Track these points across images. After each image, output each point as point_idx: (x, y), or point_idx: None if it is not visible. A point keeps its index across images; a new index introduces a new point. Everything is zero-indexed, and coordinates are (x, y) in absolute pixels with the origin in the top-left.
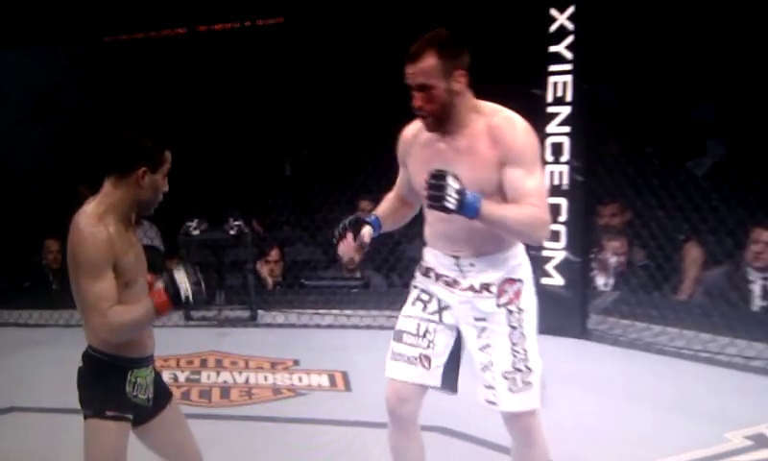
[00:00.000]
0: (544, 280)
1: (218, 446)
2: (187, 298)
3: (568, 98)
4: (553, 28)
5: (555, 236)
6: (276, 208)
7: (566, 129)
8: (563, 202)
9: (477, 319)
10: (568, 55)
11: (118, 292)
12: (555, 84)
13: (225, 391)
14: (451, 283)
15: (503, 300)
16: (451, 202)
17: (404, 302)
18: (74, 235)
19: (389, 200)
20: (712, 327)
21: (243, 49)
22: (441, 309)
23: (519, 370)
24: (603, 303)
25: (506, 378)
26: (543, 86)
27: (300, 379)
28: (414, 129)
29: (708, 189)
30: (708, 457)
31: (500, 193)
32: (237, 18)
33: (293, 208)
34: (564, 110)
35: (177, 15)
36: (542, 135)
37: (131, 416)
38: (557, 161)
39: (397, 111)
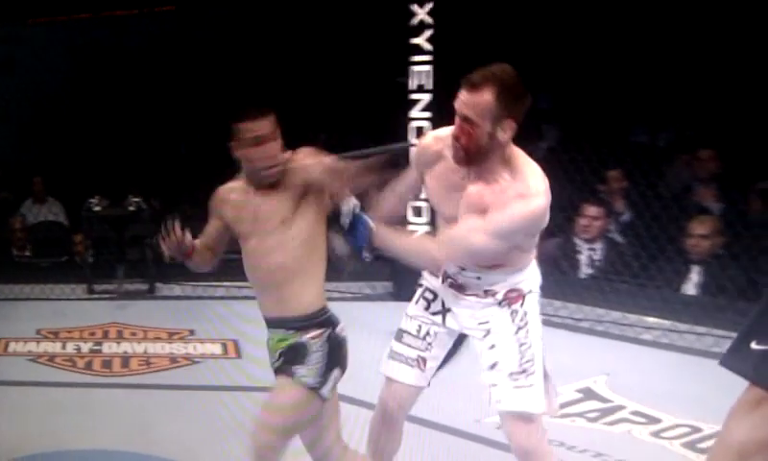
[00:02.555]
0: None
1: (119, 413)
2: None
3: (429, 86)
4: (414, 21)
5: (418, 211)
6: (173, 185)
7: (428, 114)
8: None
9: (481, 322)
10: (428, 46)
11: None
12: (416, 73)
13: (125, 361)
14: (457, 287)
15: (506, 302)
16: (343, 222)
17: None
18: None
19: None
20: (547, 293)
21: (140, 35)
22: (444, 311)
23: (525, 370)
24: None
25: (512, 378)
26: (406, 75)
27: (195, 348)
28: (444, 140)
29: (544, 170)
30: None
31: (515, 248)
32: (135, 5)
33: (189, 185)
34: (426, 98)
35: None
36: (406, 120)
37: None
38: None
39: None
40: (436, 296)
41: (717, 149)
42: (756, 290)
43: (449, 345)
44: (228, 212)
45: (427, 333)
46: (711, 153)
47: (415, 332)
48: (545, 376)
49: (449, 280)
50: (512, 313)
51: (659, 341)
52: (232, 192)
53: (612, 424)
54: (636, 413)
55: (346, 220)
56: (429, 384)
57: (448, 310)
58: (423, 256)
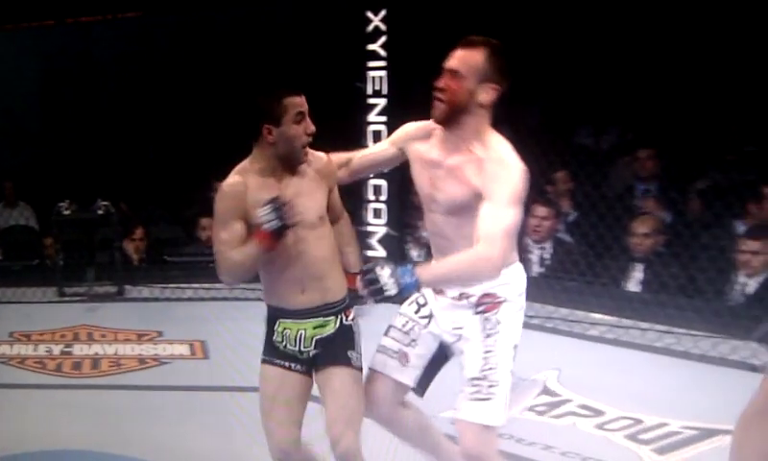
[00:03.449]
0: (369, 253)
1: (90, 414)
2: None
3: (384, 91)
4: (369, 28)
5: (377, 214)
6: (140, 189)
7: (384, 118)
8: (383, 183)
9: (455, 327)
10: (383, 52)
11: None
12: (373, 78)
13: (96, 362)
14: (437, 290)
15: (480, 308)
16: (390, 290)
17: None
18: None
19: None
20: None
21: (107, 41)
22: (430, 316)
23: (485, 378)
24: None
25: (471, 385)
26: (364, 80)
27: (164, 349)
28: (428, 124)
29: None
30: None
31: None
32: (101, 11)
33: (156, 189)
34: (382, 102)
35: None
36: (364, 124)
37: (283, 362)
38: None
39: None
40: (426, 302)
41: (657, 149)
42: (696, 286)
43: (434, 348)
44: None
45: (412, 330)
46: (651, 152)
47: (400, 326)
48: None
49: None
50: (484, 320)
51: (604, 336)
52: (260, 191)
53: (558, 417)
54: (582, 406)
55: (393, 289)
56: (418, 388)
57: (432, 316)
58: (479, 267)
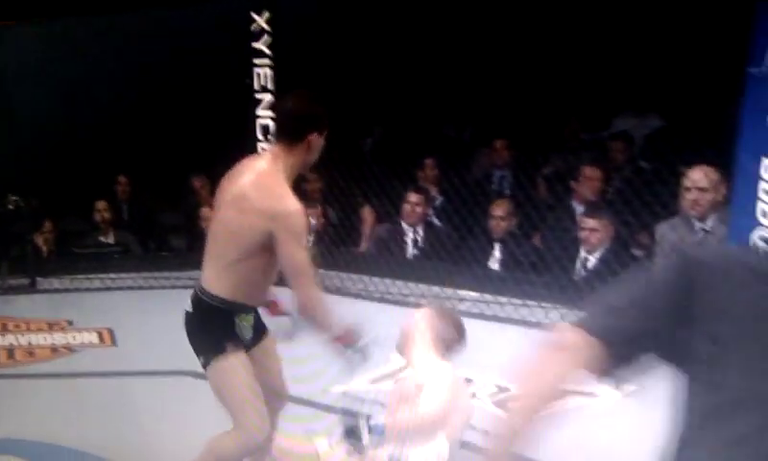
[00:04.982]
0: None
1: (7, 403)
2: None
3: (270, 86)
4: (254, 27)
5: None
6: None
7: (271, 113)
8: None
9: None
10: (267, 51)
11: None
12: (259, 74)
13: (10, 352)
14: None
15: None
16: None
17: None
18: (277, 193)
19: None
20: (381, 272)
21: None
22: None
23: None
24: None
25: None
26: (251, 77)
27: (75, 338)
28: None
29: (371, 163)
30: (386, 375)
31: None
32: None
33: (66, 184)
34: (268, 97)
35: None
36: (253, 118)
37: (243, 350)
38: (267, 140)
39: None
40: None
41: (509, 140)
42: (545, 263)
43: None
44: None
45: None
46: (504, 143)
47: None
48: None
49: None
50: None
51: (470, 311)
52: None
53: None
54: None
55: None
56: None
57: None
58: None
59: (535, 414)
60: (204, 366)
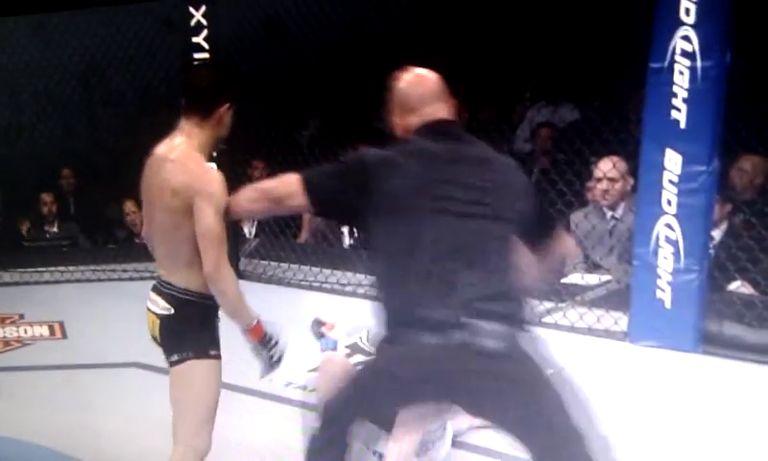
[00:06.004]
0: None
1: None
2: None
3: None
4: (193, 22)
5: None
6: None
7: None
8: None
9: None
10: (206, 45)
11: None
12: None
13: None
14: None
15: None
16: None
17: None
18: (197, 171)
19: None
20: (320, 262)
21: None
22: None
23: None
24: (248, 248)
25: None
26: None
27: (26, 331)
28: None
29: (309, 154)
30: None
31: None
32: None
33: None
34: None
35: None
36: None
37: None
38: None
39: None
40: None
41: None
42: None
43: None
44: None
45: None
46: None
47: None
48: None
49: None
50: None
51: None
52: None
53: None
54: None
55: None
56: None
57: None
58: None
59: (252, 204)
60: (176, 363)
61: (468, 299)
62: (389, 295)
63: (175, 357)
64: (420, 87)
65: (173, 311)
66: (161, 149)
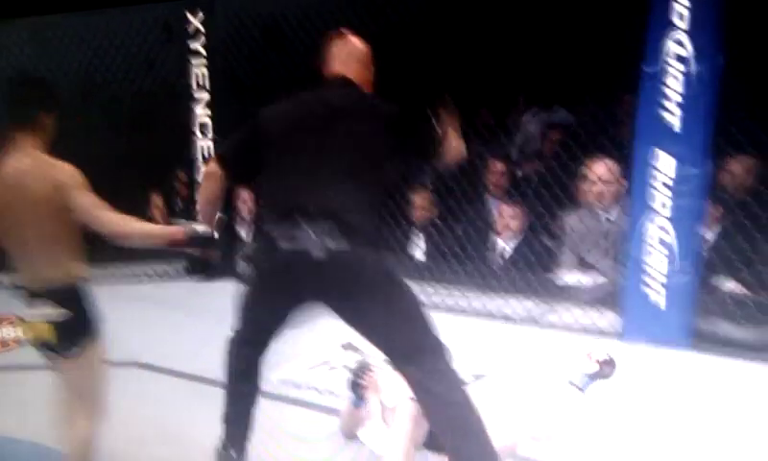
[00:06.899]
0: None
1: None
2: None
3: (207, 86)
4: (190, 28)
5: None
6: None
7: (208, 111)
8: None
9: None
10: (203, 51)
11: None
12: (196, 74)
13: None
14: None
15: None
16: None
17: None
18: (55, 168)
19: None
20: None
21: None
22: None
23: None
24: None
25: None
26: (188, 76)
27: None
28: None
29: None
30: (324, 362)
31: None
32: None
33: None
34: (205, 96)
35: None
36: (192, 116)
37: None
38: (204, 136)
39: None
40: None
41: None
42: (466, 253)
43: None
44: None
45: None
46: None
47: None
48: None
49: None
50: None
51: None
52: None
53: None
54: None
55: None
56: None
57: None
58: None
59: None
60: (76, 356)
61: (309, 214)
62: (263, 215)
63: (74, 350)
64: (344, 48)
65: (70, 311)
66: (7, 169)
